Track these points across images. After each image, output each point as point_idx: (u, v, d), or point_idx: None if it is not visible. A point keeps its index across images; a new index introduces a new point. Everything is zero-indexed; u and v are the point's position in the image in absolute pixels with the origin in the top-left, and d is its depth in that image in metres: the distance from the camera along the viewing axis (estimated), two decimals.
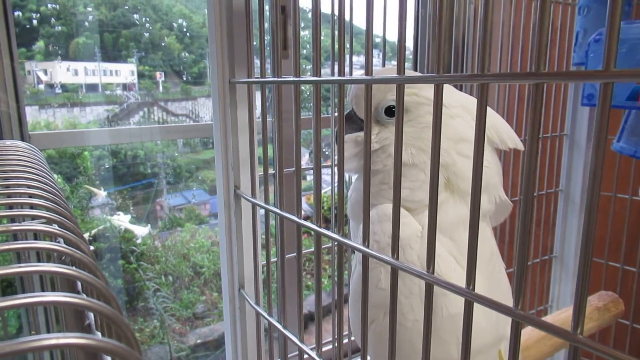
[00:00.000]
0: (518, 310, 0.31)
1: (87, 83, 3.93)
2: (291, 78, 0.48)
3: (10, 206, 0.36)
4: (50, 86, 3.70)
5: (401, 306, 0.54)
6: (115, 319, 0.23)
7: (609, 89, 0.25)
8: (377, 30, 0.76)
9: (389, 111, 0.58)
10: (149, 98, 4.16)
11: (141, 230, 2.60)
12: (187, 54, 4.27)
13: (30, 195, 0.38)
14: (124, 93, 4.02)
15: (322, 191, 1.02)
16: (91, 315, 0.39)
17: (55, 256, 0.45)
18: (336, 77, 0.42)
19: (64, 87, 3.79)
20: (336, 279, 0.48)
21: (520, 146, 0.58)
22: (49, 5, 3.74)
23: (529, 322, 0.31)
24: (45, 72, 3.69)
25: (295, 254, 0.79)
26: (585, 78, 0.27)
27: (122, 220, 2.53)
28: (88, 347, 0.18)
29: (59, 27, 3.81)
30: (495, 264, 0.61)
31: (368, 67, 0.40)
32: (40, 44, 3.53)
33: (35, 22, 3.50)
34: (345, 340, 1.02)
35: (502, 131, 0.58)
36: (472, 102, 0.59)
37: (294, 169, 0.54)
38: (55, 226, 0.32)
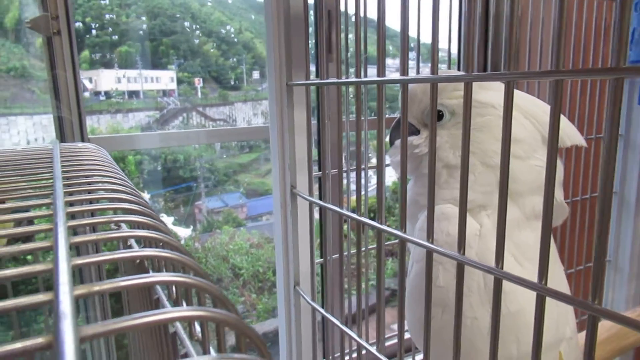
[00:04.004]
0: (595, 304, 0.31)
1: (129, 90, 4.07)
2: (353, 79, 0.49)
3: (93, 212, 0.39)
4: (95, 94, 3.85)
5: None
6: (218, 295, 0.25)
7: None
8: (407, 31, 0.76)
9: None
10: (188, 104, 4.27)
11: (184, 232, 2.67)
12: (225, 60, 4.37)
13: (112, 200, 0.40)
14: (164, 99, 4.14)
15: (369, 193, 1.03)
16: (159, 289, 0.42)
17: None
18: (401, 77, 0.43)
19: (107, 94, 3.93)
20: (377, 277, 0.49)
21: (582, 142, 0.56)
22: (94, 16, 3.89)
23: (607, 317, 0.31)
24: (91, 80, 3.84)
25: (352, 252, 0.80)
26: None
27: (166, 222, 2.60)
28: (207, 319, 0.20)
29: (104, 37, 3.96)
30: (555, 266, 0.61)
31: (434, 66, 0.40)
32: (85, 53, 3.68)
33: (81, 32, 3.65)
34: (394, 341, 1.02)
35: (561, 129, 0.57)
36: (523, 99, 0.58)
37: (342, 169, 0.55)
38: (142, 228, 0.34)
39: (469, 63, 0.38)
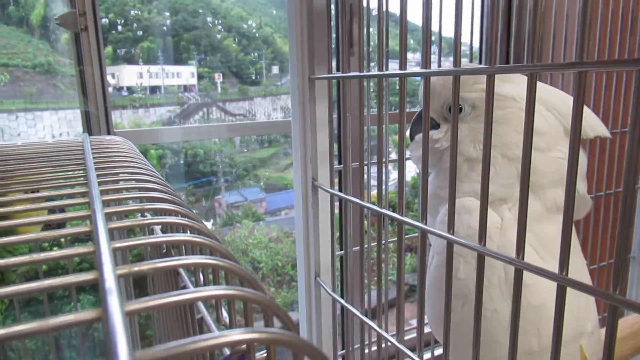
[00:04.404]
0: (617, 294, 0.32)
1: (151, 85, 4.12)
2: (375, 72, 0.50)
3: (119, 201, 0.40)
4: (118, 89, 3.92)
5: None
6: (249, 278, 0.26)
7: None
8: (429, 23, 0.75)
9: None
10: (208, 99, 4.31)
11: None
12: (244, 55, 4.40)
13: (145, 189, 0.42)
14: (185, 94, 4.19)
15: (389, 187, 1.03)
16: (185, 278, 0.44)
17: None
18: (423, 70, 0.44)
19: (129, 89, 4.00)
20: (395, 270, 0.50)
21: (605, 133, 0.56)
22: (117, 12, 3.96)
23: (628, 307, 0.32)
24: (113, 75, 3.91)
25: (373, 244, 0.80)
26: None
27: None
28: (237, 297, 0.21)
29: (127, 33, 4.02)
30: (577, 260, 0.60)
31: (457, 58, 0.41)
32: (108, 49, 3.75)
33: (104, 28, 3.74)
34: (413, 335, 1.03)
35: (583, 120, 0.56)
36: (544, 91, 0.57)
37: (359, 165, 0.56)
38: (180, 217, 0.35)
39: (492, 55, 0.38)
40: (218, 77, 4.27)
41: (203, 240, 0.27)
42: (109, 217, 0.29)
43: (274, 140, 4.57)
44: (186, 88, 4.15)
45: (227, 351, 0.35)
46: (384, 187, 0.56)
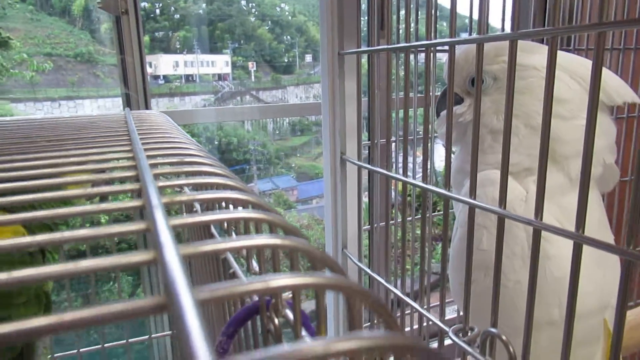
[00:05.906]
0: (631, 249, 0.33)
1: (186, 74, 4.20)
2: (403, 44, 0.51)
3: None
4: (155, 78, 4.02)
5: (503, 267, 0.55)
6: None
7: None
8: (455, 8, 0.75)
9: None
10: (242, 87, 4.37)
11: None
12: (278, 44, 4.43)
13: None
14: (219, 83, 4.25)
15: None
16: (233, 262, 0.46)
17: None
18: (448, 39, 0.45)
19: (166, 78, 4.10)
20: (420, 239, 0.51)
21: (635, 98, 0.54)
22: (155, 1, 4.04)
23: None
24: (150, 64, 4.01)
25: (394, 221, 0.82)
26: None
27: None
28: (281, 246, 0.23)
29: (163, 22, 4.11)
30: (604, 233, 0.60)
31: (481, 26, 0.42)
32: (145, 39, 3.85)
33: (143, 17, 3.83)
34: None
35: (609, 85, 0.54)
36: (570, 60, 0.57)
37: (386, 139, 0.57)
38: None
39: (516, 22, 0.39)
40: (252, 66, 4.32)
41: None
42: (152, 166, 0.32)
43: (306, 129, 4.61)
44: (220, 77, 4.22)
45: (255, 297, 0.37)
46: (410, 166, 0.57)
